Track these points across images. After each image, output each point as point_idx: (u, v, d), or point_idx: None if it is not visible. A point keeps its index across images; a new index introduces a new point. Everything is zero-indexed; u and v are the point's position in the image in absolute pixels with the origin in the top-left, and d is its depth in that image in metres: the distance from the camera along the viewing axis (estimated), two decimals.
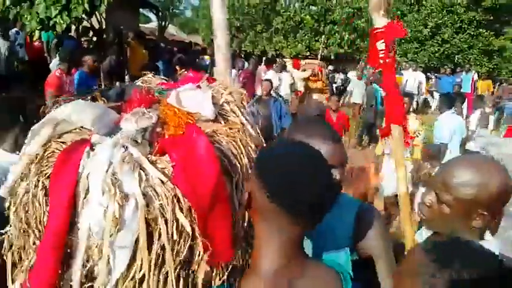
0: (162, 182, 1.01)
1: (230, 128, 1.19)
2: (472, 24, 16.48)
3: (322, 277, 0.89)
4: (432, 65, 16.68)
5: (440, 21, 16.58)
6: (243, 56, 13.56)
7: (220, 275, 1.08)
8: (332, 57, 17.19)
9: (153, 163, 1.04)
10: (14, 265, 1.14)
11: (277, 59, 10.64)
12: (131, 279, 0.99)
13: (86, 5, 5.77)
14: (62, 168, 1.01)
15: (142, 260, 0.98)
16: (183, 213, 1.01)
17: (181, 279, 1.04)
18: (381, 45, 1.31)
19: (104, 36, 7.55)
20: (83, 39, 7.71)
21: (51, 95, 4.28)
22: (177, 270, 1.02)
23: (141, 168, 1.01)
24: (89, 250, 0.99)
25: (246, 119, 1.27)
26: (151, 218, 0.98)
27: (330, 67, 14.20)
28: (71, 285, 1.00)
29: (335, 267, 0.92)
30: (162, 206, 0.99)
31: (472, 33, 16.48)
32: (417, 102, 12.90)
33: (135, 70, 7.23)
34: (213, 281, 1.07)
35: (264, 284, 0.86)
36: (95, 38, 8.22)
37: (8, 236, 1.14)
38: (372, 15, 1.33)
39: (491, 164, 1.20)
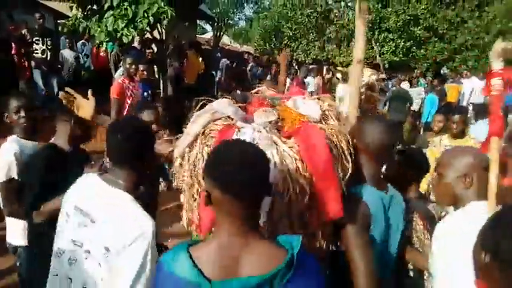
0: (289, 154, 1.47)
1: (329, 127, 1.65)
2: None
3: (267, 253, 1.09)
4: None
5: (504, 27, 15.68)
6: (294, 64, 13.69)
7: None
8: (386, 65, 16.84)
9: (283, 142, 1.53)
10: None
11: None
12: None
13: (151, 18, 6.15)
14: (219, 139, 1.53)
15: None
16: (303, 176, 1.46)
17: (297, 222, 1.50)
18: (496, 81, 1.66)
19: (164, 47, 7.99)
20: (147, 51, 8.21)
21: (115, 100, 4.62)
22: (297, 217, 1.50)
23: (276, 144, 1.50)
24: None
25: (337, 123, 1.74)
26: (282, 176, 1.43)
27: (382, 75, 13.88)
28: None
29: (286, 246, 1.11)
30: (289, 169, 1.45)
31: None
32: None
33: (192, 78, 7.61)
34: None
35: (216, 253, 1.08)
36: (155, 49, 8.72)
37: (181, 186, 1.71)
38: (492, 59, 1.69)
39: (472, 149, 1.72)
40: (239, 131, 1.55)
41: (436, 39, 17.12)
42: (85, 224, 1.45)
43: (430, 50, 17.09)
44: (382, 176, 1.82)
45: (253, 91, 2.00)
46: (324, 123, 1.67)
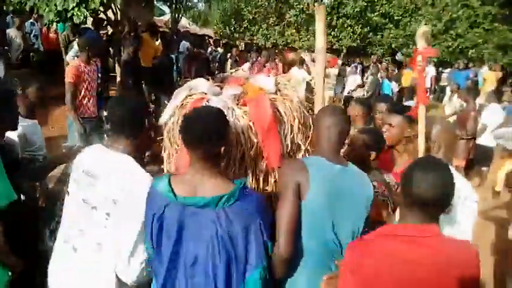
0: (242, 117, 1.99)
1: (282, 97, 2.16)
2: (487, 19, 16.23)
3: (218, 185, 1.56)
4: (445, 59, 16.52)
5: (455, 15, 16.37)
6: (254, 48, 13.61)
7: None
8: (344, 50, 17.16)
9: (239, 108, 2.03)
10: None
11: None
12: None
13: None
14: (193, 108, 1.87)
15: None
16: (253, 133, 1.97)
17: (251, 168, 2.01)
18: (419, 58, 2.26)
19: (120, 28, 7.68)
20: (101, 32, 7.86)
21: (70, 84, 4.39)
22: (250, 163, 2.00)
23: (233, 110, 2.01)
24: None
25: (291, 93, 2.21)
26: (236, 132, 1.93)
27: (339, 61, 14.17)
28: None
29: (236, 183, 1.58)
30: (242, 127, 1.97)
31: (487, 27, 16.24)
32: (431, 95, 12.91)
33: (147, 62, 7.37)
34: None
35: (184, 181, 1.58)
36: (110, 30, 8.37)
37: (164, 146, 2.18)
38: (417, 40, 2.27)
39: None
40: (207, 101, 2.03)
41: (391, 25, 17.60)
42: (92, 184, 1.74)
43: (385, 36, 17.57)
44: (343, 156, 2.05)
45: (232, 71, 2.50)
46: (279, 94, 2.17)
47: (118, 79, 7.57)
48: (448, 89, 12.29)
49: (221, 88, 2.19)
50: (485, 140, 6.13)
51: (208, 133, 1.53)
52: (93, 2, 6.08)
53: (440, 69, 14.53)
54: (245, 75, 2.37)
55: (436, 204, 1.38)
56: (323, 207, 1.69)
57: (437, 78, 13.83)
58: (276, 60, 8.92)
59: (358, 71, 12.23)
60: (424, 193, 1.36)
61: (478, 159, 6.22)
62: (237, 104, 2.08)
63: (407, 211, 1.44)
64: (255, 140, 1.97)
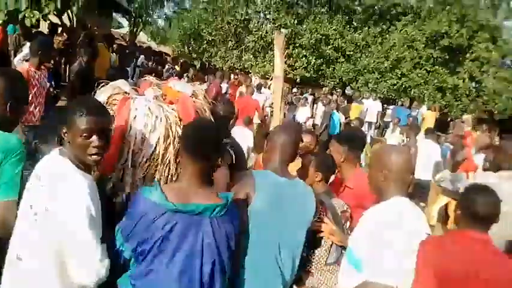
0: (172, 114, 2.12)
1: (198, 99, 2.35)
2: (429, 61, 17.58)
3: (210, 195, 1.68)
4: (390, 96, 17.57)
5: (401, 55, 17.57)
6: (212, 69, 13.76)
7: None
8: (298, 79, 17.75)
9: (167, 105, 2.17)
10: None
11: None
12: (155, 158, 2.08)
13: (59, 3, 5.71)
14: (121, 107, 2.08)
15: (159, 147, 2.07)
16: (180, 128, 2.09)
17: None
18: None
19: (75, 36, 7.49)
20: (55, 39, 7.61)
21: None
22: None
23: (162, 107, 2.13)
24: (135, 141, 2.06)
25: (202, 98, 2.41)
26: (167, 127, 2.07)
27: (295, 89, 14.65)
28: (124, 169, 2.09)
29: (223, 197, 1.70)
30: (170, 124, 2.09)
31: (429, 69, 17.57)
32: (376, 129, 13.62)
33: (102, 72, 7.20)
34: None
35: (179, 188, 1.67)
36: (65, 37, 8.13)
37: None
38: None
39: None
40: (133, 101, 2.13)
41: (343, 59, 18.53)
42: (38, 190, 1.67)
43: (337, 69, 18.43)
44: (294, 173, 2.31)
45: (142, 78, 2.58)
46: (194, 98, 2.33)
47: (68, 88, 7.31)
48: (391, 124, 13.07)
49: (136, 91, 2.32)
50: (423, 174, 6.53)
51: (217, 148, 1.73)
52: (47, 6, 5.88)
53: (385, 105, 15.42)
54: (155, 80, 2.50)
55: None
56: (267, 213, 1.89)
57: (383, 114, 14.65)
58: (234, 81, 9.14)
59: (308, 102, 12.71)
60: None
61: (416, 194, 6.62)
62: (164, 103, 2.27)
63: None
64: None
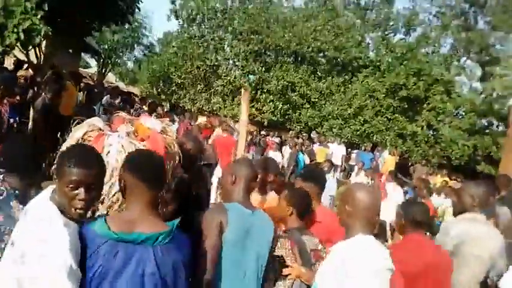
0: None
1: (167, 135, 2.50)
2: (390, 109, 18.50)
3: (156, 223, 1.65)
4: (354, 141, 18.18)
5: (363, 103, 18.42)
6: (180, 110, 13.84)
7: None
8: (265, 123, 18.12)
9: (138, 142, 2.30)
10: None
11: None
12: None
13: (21, 34, 5.62)
14: (96, 143, 2.16)
15: None
16: None
17: None
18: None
19: (41, 72, 7.40)
20: (18, 74, 7.48)
21: None
22: None
23: (134, 144, 2.25)
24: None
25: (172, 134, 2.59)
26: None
27: (263, 132, 14.89)
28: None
29: (169, 224, 1.67)
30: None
31: (389, 117, 18.45)
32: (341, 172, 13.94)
33: (69, 110, 7.08)
34: None
35: (121, 218, 1.66)
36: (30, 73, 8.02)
37: None
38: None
39: None
40: (107, 137, 2.24)
41: (308, 106, 19.18)
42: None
43: (303, 114, 19.01)
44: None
45: (115, 114, 2.72)
46: (164, 134, 2.47)
47: (30, 125, 7.12)
48: (356, 167, 13.42)
49: (110, 127, 2.47)
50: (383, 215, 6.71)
51: (163, 177, 1.79)
52: (8, 37, 5.75)
53: (349, 150, 15.91)
54: (127, 116, 2.64)
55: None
56: (238, 242, 2.12)
57: (347, 157, 15.08)
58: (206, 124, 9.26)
59: (278, 146, 12.92)
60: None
61: (380, 235, 6.77)
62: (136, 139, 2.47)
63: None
64: None
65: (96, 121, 2.38)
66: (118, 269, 1.55)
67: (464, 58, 22.36)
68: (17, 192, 1.90)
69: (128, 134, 2.33)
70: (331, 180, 7.48)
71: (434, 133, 18.68)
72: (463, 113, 19.64)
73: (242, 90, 4.78)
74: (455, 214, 3.02)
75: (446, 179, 11.99)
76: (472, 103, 19.15)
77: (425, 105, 18.75)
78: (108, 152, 2.17)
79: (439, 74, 18.79)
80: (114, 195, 2.12)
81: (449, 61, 21.44)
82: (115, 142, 2.20)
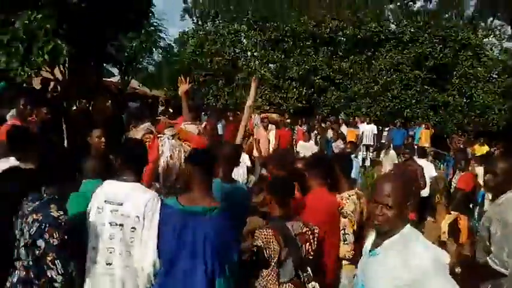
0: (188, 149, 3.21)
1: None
2: (418, 82, 17.89)
3: (209, 201, 2.38)
4: (384, 118, 17.72)
5: (389, 79, 17.88)
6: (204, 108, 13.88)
7: None
8: (291, 111, 17.91)
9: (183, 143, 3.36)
10: None
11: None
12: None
13: (46, 56, 5.73)
14: (152, 144, 3.12)
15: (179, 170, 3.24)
16: None
17: None
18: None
19: (68, 88, 7.55)
20: (50, 93, 7.66)
21: (2, 144, 4.21)
22: None
23: (180, 143, 3.31)
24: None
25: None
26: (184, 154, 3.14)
27: (288, 120, 14.68)
28: None
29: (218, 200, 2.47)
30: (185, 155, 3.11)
31: (418, 89, 17.85)
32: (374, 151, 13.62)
33: (100, 123, 7.24)
34: None
35: (188, 197, 2.38)
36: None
37: None
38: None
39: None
40: (160, 139, 3.03)
41: (333, 88, 18.81)
42: (116, 209, 2.35)
43: (329, 97, 18.67)
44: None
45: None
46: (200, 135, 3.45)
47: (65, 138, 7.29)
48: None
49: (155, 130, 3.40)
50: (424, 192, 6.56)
51: (212, 168, 2.50)
52: (35, 61, 5.89)
53: (380, 128, 15.51)
54: (167, 121, 3.57)
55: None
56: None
57: (379, 136, 14.70)
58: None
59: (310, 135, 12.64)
60: None
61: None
62: (179, 139, 3.35)
63: None
64: None
65: (149, 126, 3.32)
66: (186, 231, 2.24)
67: (491, 18, 21.28)
68: (56, 197, 2.25)
69: (173, 136, 3.19)
70: (355, 161, 7.32)
71: (468, 101, 17.94)
72: (496, 76, 18.76)
73: (252, 78, 5.20)
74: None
75: (485, 147, 11.48)
76: (505, 64, 18.25)
77: (454, 72, 18.03)
78: (162, 151, 3.02)
79: (466, 38, 18.00)
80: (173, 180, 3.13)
81: (476, 23, 20.45)
82: (166, 143, 3.09)
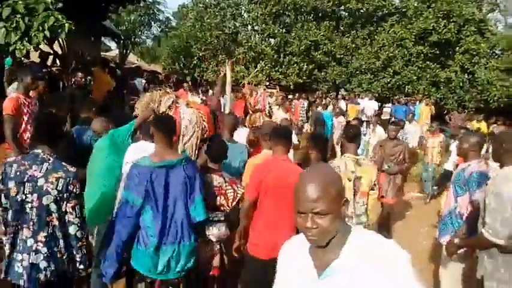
0: (199, 114, 3.53)
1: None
2: (420, 57, 17.69)
3: (176, 154, 2.94)
4: (385, 94, 17.62)
5: (391, 54, 17.67)
6: (204, 83, 13.76)
7: None
8: (291, 86, 17.78)
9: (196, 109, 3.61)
10: None
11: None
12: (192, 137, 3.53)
13: (47, 32, 5.66)
14: (176, 112, 3.45)
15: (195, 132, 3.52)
16: (204, 122, 3.55)
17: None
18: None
19: (68, 62, 7.46)
20: (51, 68, 7.56)
21: (9, 117, 4.18)
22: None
23: (194, 111, 3.56)
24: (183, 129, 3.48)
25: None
26: (195, 121, 3.46)
27: (290, 96, 14.64)
28: None
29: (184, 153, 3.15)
30: (197, 119, 3.48)
31: (420, 65, 17.67)
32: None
33: (100, 96, 7.19)
34: None
35: (156, 154, 2.82)
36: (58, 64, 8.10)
37: None
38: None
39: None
40: (180, 108, 3.45)
41: (334, 63, 18.61)
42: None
43: (329, 73, 18.50)
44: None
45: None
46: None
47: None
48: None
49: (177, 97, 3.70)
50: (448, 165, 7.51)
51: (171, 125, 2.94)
52: (36, 36, 5.83)
53: (381, 104, 15.45)
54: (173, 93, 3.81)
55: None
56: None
57: (380, 112, 14.66)
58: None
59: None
60: None
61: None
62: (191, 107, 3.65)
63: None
64: (206, 125, 3.51)
65: (173, 96, 3.62)
66: (165, 183, 2.72)
67: None
68: (55, 156, 2.52)
69: (188, 104, 3.56)
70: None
71: (470, 77, 17.80)
72: (499, 52, 18.55)
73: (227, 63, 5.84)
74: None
75: (483, 123, 11.47)
76: (509, 40, 18.01)
77: (457, 48, 17.82)
78: (183, 117, 3.40)
79: (470, 13, 17.67)
80: (188, 140, 3.43)
81: None
82: (184, 110, 3.47)
